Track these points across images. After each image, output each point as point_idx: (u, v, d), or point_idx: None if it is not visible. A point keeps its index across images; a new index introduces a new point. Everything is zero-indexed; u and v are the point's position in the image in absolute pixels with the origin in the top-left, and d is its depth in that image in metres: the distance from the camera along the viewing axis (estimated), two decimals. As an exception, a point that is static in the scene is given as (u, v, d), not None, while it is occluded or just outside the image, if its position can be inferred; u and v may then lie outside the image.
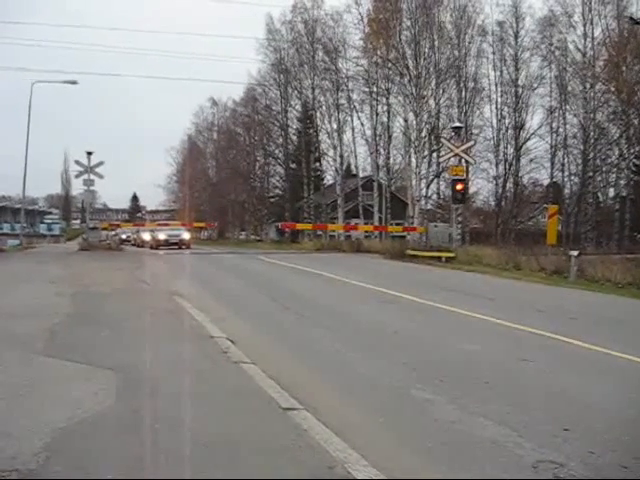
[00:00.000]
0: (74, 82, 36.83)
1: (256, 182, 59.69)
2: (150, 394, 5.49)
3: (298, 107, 53.35)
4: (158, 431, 4.57)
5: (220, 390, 5.84)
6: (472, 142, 37.90)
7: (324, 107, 49.23)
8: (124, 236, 49.50)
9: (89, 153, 32.26)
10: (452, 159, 30.10)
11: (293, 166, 54.34)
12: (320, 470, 4.00)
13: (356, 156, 49.04)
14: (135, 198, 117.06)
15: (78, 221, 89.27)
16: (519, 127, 44.64)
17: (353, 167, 51.23)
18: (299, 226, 46.69)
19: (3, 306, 10.60)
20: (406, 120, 43.28)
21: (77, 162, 33.21)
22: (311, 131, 52.43)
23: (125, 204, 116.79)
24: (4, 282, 15.29)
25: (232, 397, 5.61)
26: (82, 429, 4.65)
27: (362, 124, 46.52)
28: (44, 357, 6.91)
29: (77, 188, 74.13)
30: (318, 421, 4.96)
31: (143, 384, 5.86)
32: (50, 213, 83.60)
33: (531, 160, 45.27)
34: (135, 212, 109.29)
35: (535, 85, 44.36)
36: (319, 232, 47.33)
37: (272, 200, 59.89)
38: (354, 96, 46.20)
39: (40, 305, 10.79)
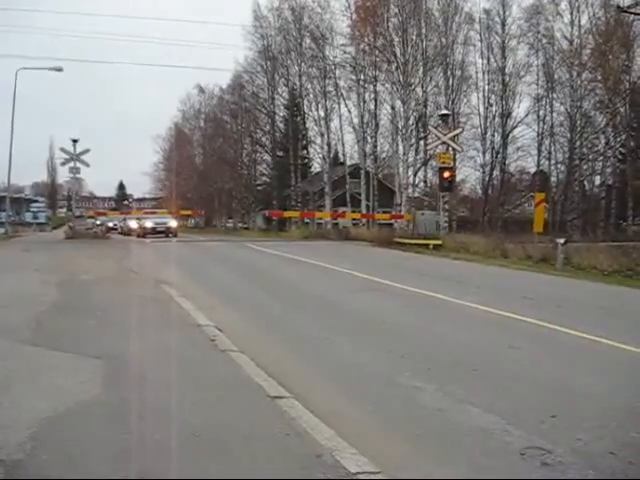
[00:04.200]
0: (59, 69, 36.39)
1: (243, 170, 59.52)
2: (137, 383, 5.46)
3: (285, 94, 53.30)
4: (145, 420, 4.54)
5: (208, 379, 5.82)
6: (459, 130, 37.92)
7: (311, 94, 49.19)
8: (111, 224, 49.25)
9: (74, 141, 31.94)
10: (439, 147, 30.08)
11: (280, 154, 54.27)
12: (308, 458, 3.99)
13: (343, 144, 49.18)
14: (122, 186, 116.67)
15: (64, 209, 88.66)
16: (506, 115, 44.77)
17: (340, 155, 51.30)
18: (286, 214, 46.66)
19: (-12, 295, 10.51)
20: (393, 108, 43.24)
21: (63, 150, 32.87)
22: (298, 119, 52.33)
23: (112, 192, 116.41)
24: (-11, 271, 15.17)
25: (220, 386, 5.59)
26: (69, 418, 4.62)
27: (349, 112, 46.55)
28: (30, 346, 6.86)
29: (63, 176, 73.76)
30: (306, 409, 4.95)
31: (130, 373, 5.83)
32: (36, 201, 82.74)
33: (518, 148, 45.59)
34: (122, 200, 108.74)
35: (522, 73, 44.59)
36: (307, 220, 47.30)
37: (259, 188, 59.75)
38: (341, 83, 46.18)
39: (25, 294, 10.71)
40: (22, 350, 6.70)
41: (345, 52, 45.28)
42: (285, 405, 5.02)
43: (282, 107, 54.16)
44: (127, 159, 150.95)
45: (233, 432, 4.44)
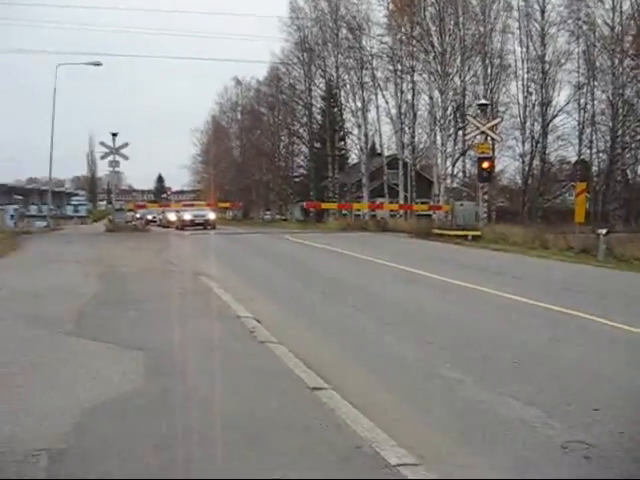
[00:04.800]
0: (98, 63, 36.85)
1: (280, 162, 59.57)
2: (178, 374, 5.52)
3: (322, 86, 53.11)
4: (187, 410, 4.58)
5: (248, 370, 5.85)
6: (499, 119, 37.38)
7: (348, 85, 48.97)
8: (150, 217, 49.76)
9: (114, 134, 32.28)
10: (478, 137, 29.73)
11: (317, 145, 54.16)
12: (348, 449, 3.99)
13: (381, 135, 48.81)
14: (160, 179, 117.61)
15: (104, 202, 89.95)
16: (546, 104, 43.96)
17: (378, 146, 50.94)
18: (324, 205, 46.66)
19: (32, 287, 10.71)
20: (431, 98, 43.00)
21: (102, 144, 33.29)
22: (335, 110, 52.14)
23: (150, 185, 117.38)
24: (32, 263, 15.48)
25: (260, 377, 5.62)
26: (111, 408, 4.69)
27: (387, 102, 46.19)
28: (73, 337, 6.98)
29: (103, 169, 74.87)
30: (345, 400, 4.95)
31: (171, 364, 5.89)
32: (76, 195, 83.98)
33: (558, 137, 44.70)
34: (160, 193, 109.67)
35: (562, 61, 43.60)
36: (344, 211, 47.21)
37: (297, 180, 59.82)
38: (378, 74, 45.80)
39: (68, 286, 10.89)
40: (65, 341, 6.82)
41: (382, 42, 45.03)
42: (324, 396, 5.02)
43: (319, 99, 54.06)
44: (166, 152, 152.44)
45: (273, 423, 4.45)
